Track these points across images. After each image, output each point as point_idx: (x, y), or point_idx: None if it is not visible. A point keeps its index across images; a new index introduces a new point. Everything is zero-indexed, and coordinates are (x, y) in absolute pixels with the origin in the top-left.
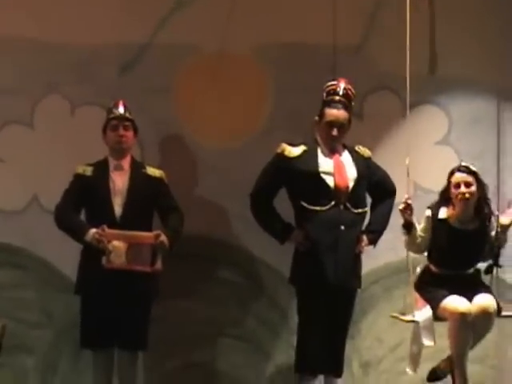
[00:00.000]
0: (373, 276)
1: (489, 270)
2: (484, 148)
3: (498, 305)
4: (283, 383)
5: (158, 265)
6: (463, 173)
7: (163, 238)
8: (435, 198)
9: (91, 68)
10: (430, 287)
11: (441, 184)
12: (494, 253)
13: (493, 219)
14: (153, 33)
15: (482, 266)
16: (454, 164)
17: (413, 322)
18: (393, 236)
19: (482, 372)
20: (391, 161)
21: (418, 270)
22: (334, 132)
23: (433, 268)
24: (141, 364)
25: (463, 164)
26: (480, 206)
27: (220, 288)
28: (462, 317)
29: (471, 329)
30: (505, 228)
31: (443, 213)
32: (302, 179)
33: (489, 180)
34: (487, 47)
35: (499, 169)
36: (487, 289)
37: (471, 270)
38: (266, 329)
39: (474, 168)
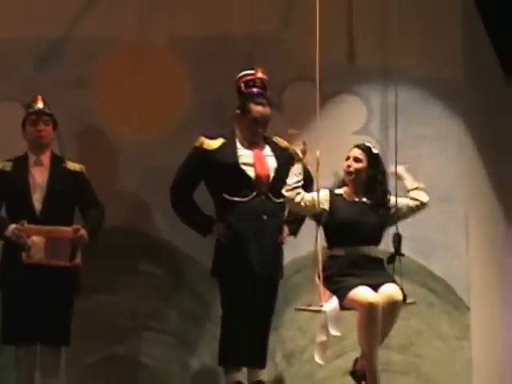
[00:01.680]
0: (295, 266)
1: (391, 259)
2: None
3: (403, 293)
4: (207, 376)
5: (78, 259)
6: (359, 149)
7: (82, 232)
8: None
9: (7, 63)
10: (336, 278)
11: None
12: (394, 243)
13: (391, 204)
14: (70, 26)
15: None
16: None
17: (319, 311)
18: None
19: (405, 361)
20: (309, 151)
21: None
22: (260, 130)
23: (335, 252)
24: (63, 358)
25: (364, 142)
26: (370, 183)
27: (142, 281)
28: (371, 306)
29: (380, 319)
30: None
31: (340, 190)
32: (223, 171)
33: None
34: (407, 36)
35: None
36: (391, 277)
37: (374, 253)
38: (188, 321)
39: (374, 150)
